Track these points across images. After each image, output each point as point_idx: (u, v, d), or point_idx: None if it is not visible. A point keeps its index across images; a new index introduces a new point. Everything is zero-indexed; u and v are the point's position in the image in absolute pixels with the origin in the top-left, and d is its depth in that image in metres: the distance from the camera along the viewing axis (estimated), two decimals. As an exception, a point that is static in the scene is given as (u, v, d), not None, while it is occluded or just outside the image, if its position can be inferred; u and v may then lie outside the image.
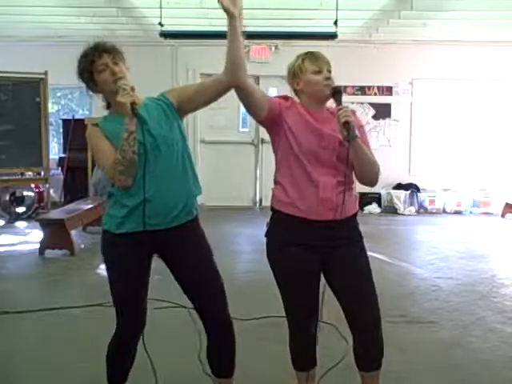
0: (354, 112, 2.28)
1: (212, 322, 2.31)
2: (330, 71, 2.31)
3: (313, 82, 2.30)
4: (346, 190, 2.25)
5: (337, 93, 2.28)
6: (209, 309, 2.30)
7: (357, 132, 2.20)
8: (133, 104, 2.11)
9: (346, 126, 2.15)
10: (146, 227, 2.16)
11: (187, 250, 2.27)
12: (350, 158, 2.21)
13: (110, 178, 2.21)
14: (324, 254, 2.26)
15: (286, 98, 2.40)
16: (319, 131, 2.25)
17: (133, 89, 2.17)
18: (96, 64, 2.27)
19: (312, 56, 2.34)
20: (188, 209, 2.25)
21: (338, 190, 2.22)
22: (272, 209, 2.36)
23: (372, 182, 2.32)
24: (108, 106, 2.37)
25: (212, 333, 2.33)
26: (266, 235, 2.37)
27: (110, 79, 2.23)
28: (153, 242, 2.21)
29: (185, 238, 2.27)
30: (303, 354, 2.40)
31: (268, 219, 2.38)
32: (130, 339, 2.31)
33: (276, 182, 2.36)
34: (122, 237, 2.23)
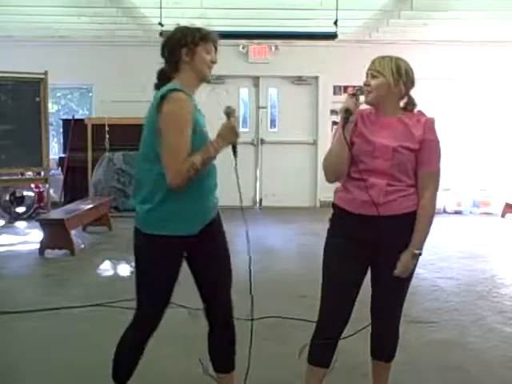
0: (427, 118, 2.36)
1: (222, 313, 2.38)
2: (374, 76, 2.30)
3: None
4: (398, 190, 2.29)
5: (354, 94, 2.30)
6: (223, 300, 2.38)
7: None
8: (234, 145, 2.26)
9: (345, 114, 2.23)
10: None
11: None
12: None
13: (171, 173, 2.10)
14: (370, 246, 2.30)
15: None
16: (371, 142, 2.28)
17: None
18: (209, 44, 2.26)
19: (372, 60, 2.35)
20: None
21: (387, 188, 2.26)
22: (333, 204, 2.45)
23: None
24: (159, 84, 2.28)
25: (219, 326, 2.39)
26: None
27: (209, 63, 2.26)
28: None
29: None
30: (329, 345, 2.37)
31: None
32: (150, 335, 2.34)
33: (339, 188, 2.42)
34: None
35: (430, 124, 2.36)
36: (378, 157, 2.25)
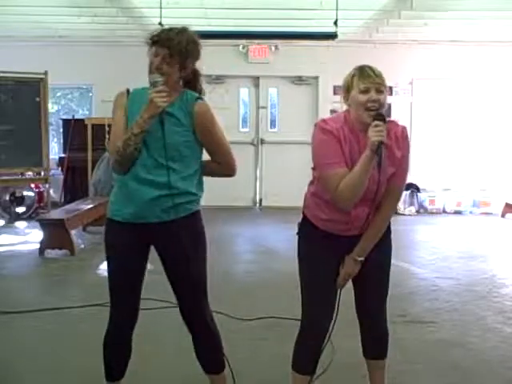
0: (403, 130, 2.22)
1: (191, 321, 2.35)
2: (380, 91, 2.12)
3: (356, 101, 2.13)
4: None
5: (379, 119, 2.07)
6: (186, 305, 2.34)
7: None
8: (162, 112, 2.15)
9: (378, 147, 2.03)
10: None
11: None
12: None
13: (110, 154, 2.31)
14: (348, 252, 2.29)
15: (328, 131, 2.16)
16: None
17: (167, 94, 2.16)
18: (153, 47, 2.21)
19: (362, 72, 2.15)
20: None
21: (369, 214, 2.21)
22: (303, 214, 2.37)
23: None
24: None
25: (192, 333, 2.38)
26: (297, 234, 2.41)
27: (152, 67, 2.20)
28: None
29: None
30: (312, 353, 2.34)
31: (300, 220, 2.40)
32: (123, 328, 2.35)
33: (313, 193, 2.32)
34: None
35: (407, 138, 2.25)
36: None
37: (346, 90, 2.20)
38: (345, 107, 2.25)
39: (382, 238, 2.31)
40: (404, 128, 2.26)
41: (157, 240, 2.29)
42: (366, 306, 2.40)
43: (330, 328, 2.32)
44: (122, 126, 2.22)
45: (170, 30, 2.23)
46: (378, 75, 2.15)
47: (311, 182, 2.36)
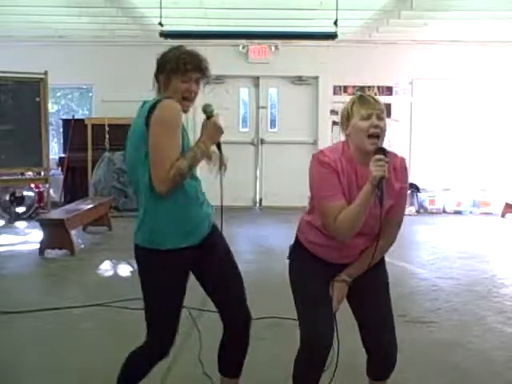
0: (402, 161, 2.20)
1: (238, 317, 2.35)
2: (381, 118, 2.10)
3: (357, 128, 2.10)
4: (371, 244, 2.22)
5: (380, 153, 2.04)
6: (237, 305, 2.36)
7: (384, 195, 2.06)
8: (219, 143, 2.21)
9: (379, 182, 2.00)
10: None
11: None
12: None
13: (159, 180, 2.04)
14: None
15: (326, 163, 2.15)
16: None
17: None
18: (186, 72, 2.16)
19: (362, 99, 2.14)
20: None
21: (365, 245, 2.21)
22: (297, 238, 2.36)
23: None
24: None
25: (235, 330, 2.36)
26: (288, 258, 2.40)
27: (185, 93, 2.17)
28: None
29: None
30: (316, 369, 2.21)
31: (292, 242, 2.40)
32: (160, 359, 2.27)
33: (309, 222, 2.30)
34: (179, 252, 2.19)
35: (406, 170, 2.25)
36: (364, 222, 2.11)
37: (346, 118, 2.17)
38: (343, 138, 2.24)
39: (377, 263, 2.29)
40: (403, 159, 2.26)
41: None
42: (374, 340, 2.28)
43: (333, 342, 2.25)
44: (179, 148, 2.08)
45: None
46: (378, 102, 2.14)
47: (308, 212, 2.34)
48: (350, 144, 2.17)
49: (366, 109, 2.09)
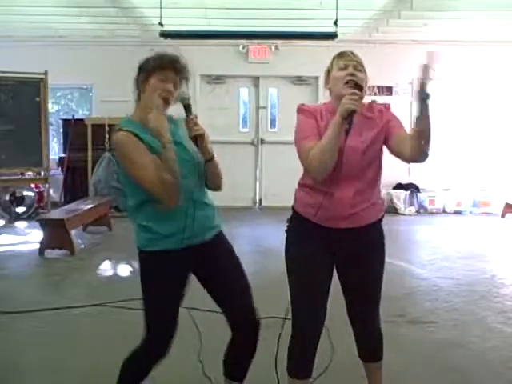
0: (386, 105, 2.24)
1: (246, 320, 2.32)
2: (358, 69, 2.19)
3: (336, 78, 2.21)
4: (365, 199, 2.23)
5: (356, 88, 2.12)
6: (243, 307, 2.33)
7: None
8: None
9: (348, 114, 2.06)
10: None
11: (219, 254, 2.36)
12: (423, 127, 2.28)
13: (159, 198, 2.09)
14: (337, 252, 2.29)
15: (305, 109, 2.28)
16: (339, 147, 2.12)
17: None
18: (162, 70, 2.20)
19: (340, 54, 2.26)
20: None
21: (354, 200, 2.20)
22: (293, 208, 2.39)
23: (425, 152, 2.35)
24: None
25: (243, 333, 2.33)
26: (286, 231, 2.40)
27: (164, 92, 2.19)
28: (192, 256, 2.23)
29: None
30: (305, 356, 2.32)
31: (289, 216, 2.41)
32: (158, 360, 2.27)
33: (300, 185, 2.35)
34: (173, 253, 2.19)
35: (390, 109, 2.36)
36: (346, 162, 2.14)
37: (327, 73, 2.29)
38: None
39: (375, 244, 2.31)
40: (389, 107, 2.38)
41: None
42: (356, 313, 2.38)
43: (324, 329, 2.31)
44: (149, 158, 2.10)
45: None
46: (355, 55, 2.24)
47: (301, 178, 2.38)
48: (331, 98, 2.27)
49: (344, 60, 2.21)
